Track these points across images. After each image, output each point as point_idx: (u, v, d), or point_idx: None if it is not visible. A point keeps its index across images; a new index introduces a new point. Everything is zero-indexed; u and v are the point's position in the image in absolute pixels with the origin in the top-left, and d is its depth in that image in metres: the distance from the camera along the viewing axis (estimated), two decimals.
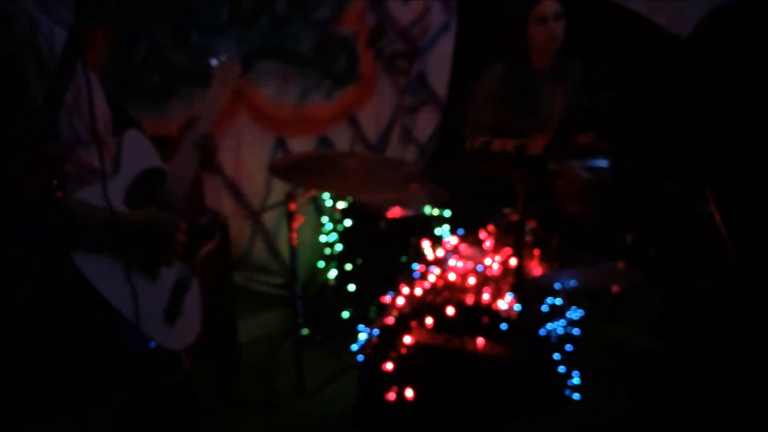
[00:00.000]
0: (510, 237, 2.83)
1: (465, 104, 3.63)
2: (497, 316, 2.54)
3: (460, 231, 3.17)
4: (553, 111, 3.49)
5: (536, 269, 2.67)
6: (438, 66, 4.08)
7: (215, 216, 2.12)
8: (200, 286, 2.05)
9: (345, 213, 3.54)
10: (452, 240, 3.09)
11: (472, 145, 3.44)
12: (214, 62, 2.47)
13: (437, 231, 3.48)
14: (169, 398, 1.97)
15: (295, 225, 3.12)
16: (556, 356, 2.57)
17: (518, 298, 2.62)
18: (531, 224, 2.77)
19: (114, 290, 1.65)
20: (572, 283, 2.80)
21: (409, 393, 2.58)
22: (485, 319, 2.54)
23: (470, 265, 2.86)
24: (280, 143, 3.81)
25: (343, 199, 3.54)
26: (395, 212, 3.42)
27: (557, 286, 2.79)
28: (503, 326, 2.52)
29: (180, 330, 1.87)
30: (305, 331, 3.26)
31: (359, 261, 3.50)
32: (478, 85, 3.56)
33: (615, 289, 2.83)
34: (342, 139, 3.97)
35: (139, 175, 1.92)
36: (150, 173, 1.97)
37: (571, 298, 2.99)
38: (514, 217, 2.80)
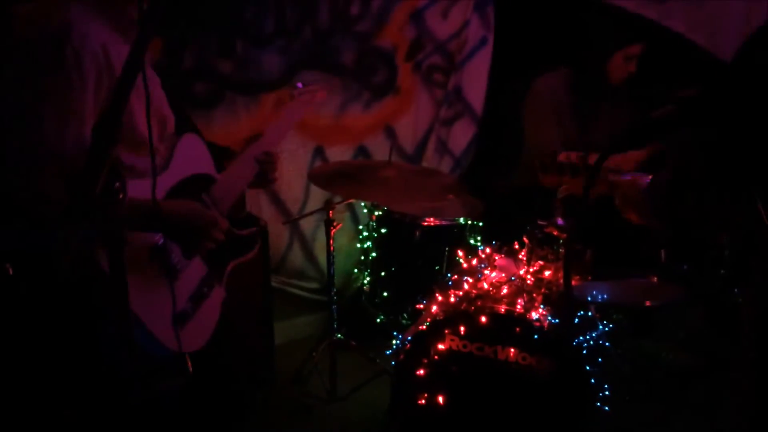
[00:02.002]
0: (544, 249, 2.87)
1: (502, 114, 3.64)
2: (530, 326, 2.57)
3: (494, 242, 3.21)
4: (606, 131, 3.43)
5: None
6: (474, 80, 4.13)
7: (256, 232, 2.19)
8: (222, 298, 2.08)
9: (381, 221, 3.60)
10: (486, 250, 3.13)
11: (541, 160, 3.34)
12: (299, 84, 2.51)
13: (471, 241, 3.53)
14: (169, 404, 1.96)
15: (333, 232, 3.20)
16: (588, 368, 2.60)
17: (556, 312, 2.65)
18: (563, 236, 2.80)
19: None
20: (605, 296, 2.83)
21: (440, 399, 2.62)
22: (518, 329, 2.57)
23: (504, 275, 2.90)
24: (319, 151, 3.91)
25: (379, 207, 3.61)
26: (430, 221, 3.48)
27: (590, 298, 2.82)
28: (536, 337, 2.56)
29: (188, 334, 1.91)
30: (339, 336, 3.33)
31: (394, 268, 3.56)
32: (540, 84, 3.43)
33: (648, 303, 2.85)
34: (379, 148, 4.04)
35: (186, 178, 2.00)
36: (198, 178, 2.05)
37: (604, 311, 3.01)
38: (550, 230, 2.83)
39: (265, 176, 2.25)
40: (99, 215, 1.40)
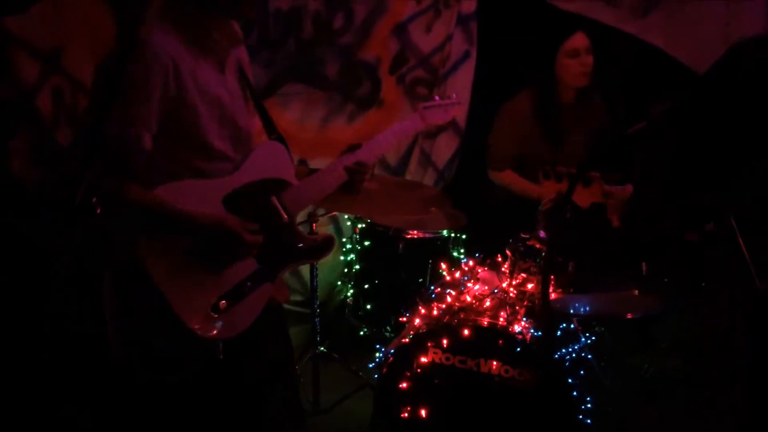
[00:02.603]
0: (527, 261, 2.89)
1: (486, 128, 3.71)
2: (513, 339, 2.59)
3: (477, 254, 3.22)
4: (578, 144, 3.55)
5: (552, 294, 2.72)
6: (458, 93, 4.12)
7: (330, 239, 2.26)
8: (270, 295, 2.14)
9: (364, 233, 3.61)
10: (469, 263, 3.15)
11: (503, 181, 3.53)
12: (437, 98, 2.57)
13: (455, 253, 3.54)
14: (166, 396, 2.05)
15: None
16: (570, 381, 2.61)
17: (537, 324, 2.67)
18: (546, 249, 2.82)
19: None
20: (587, 309, 2.85)
21: (423, 413, 2.63)
22: (500, 342, 2.59)
23: (487, 288, 2.91)
24: (302, 164, 3.90)
25: (362, 220, 3.61)
26: (414, 234, 3.49)
27: (572, 311, 2.84)
28: (518, 350, 2.57)
29: (222, 322, 2.01)
30: (323, 349, 3.32)
31: (377, 281, 3.56)
32: (504, 109, 3.62)
33: (630, 316, 2.87)
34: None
35: (255, 181, 2.10)
36: (270, 182, 2.13)
37: (586, 323, 3.03)
38: (533, 242, 2.85)
39: (352, 186, 2.30)
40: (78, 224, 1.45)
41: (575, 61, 3.44)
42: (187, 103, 1.95)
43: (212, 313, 1.99)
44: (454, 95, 2.67)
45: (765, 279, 1.40)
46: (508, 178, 3.62)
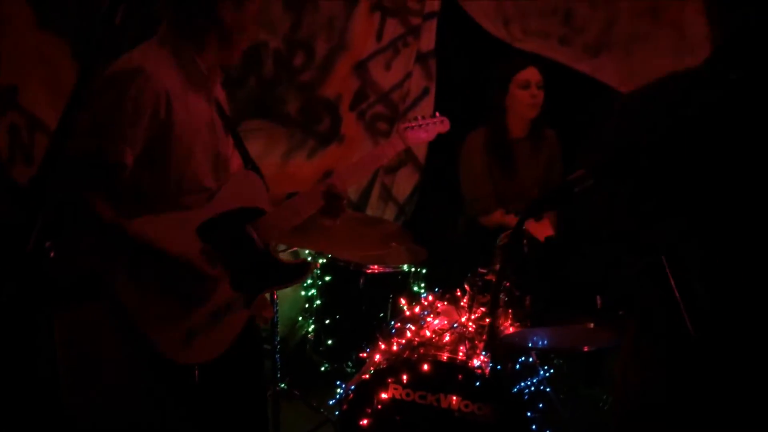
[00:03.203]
0: (485, 296, 2.92)
1: (446, 162, 3.76)
2: (472, 373, 2.60)
3: (437, 289, 3.25)
4: (530, 179, 3.63)
5: (510, 328, 2.75)
6: None
7: (307, 264, 2.31)
8: (245, 320, 2.18)
9: (325, 268, 3.61)
10: (429, 297, 3.17)
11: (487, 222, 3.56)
12: (419, 117, 2.58)
13: (415, 288, 3.56)
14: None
15: None
16: (529, 414, 2.63)
17: (492, 357, 2.69)
18: (505, 284, 2.86)
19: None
20: (545, 342, 2.89)
21: None
22: (460, 377, 2.60)
23: (446, 322, 2.93)
24: None
25: (323, 255, 3.62)
26: (375, 269, 3.51)
27: (530, 344, 2.87)
28: (477, 384, 2.59)
29: (197, 348, 2.04)
30: (283, 386, 3.30)
31: (338, 316, 3.56)
32: (461, 155, 3.68)
33: (586, 349, 2.92)
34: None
35: (230, 210, 2.14)
36: (245, 211, 2.18)
37: (545, 356, 3.07)
38: (490, 277, 2.89)
39: (330, 211, 2.34)
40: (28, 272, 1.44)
41: (526, 92, 3.52)
42: (175, 130, 2.00)
43: (187, 339, 2.01)
44: (437, 113, 2.69)
45: (699, 327, 1.42)
46: (501, 219, 3.59)
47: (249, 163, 2.25)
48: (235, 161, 2.28)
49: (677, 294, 1.41)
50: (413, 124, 2.58)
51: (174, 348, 2.00)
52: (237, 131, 2.29)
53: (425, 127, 2.61)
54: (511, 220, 3.56)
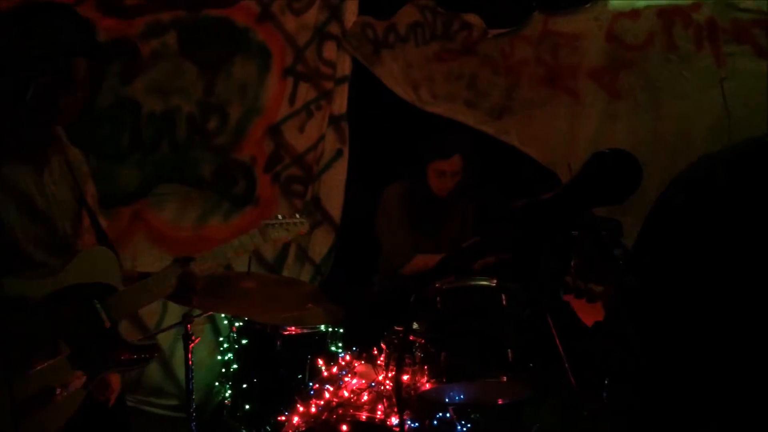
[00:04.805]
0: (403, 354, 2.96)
1: (361, 222, 3.82)
2: None
3: (354, 348, 3.27)
4: (448, 234, 3.72)
5: (426, 384, 2.80)
6: (332, 189, 4.30)
7: (148, 348, 2.22)
8: (80, 401, 2.08)
9: (242, 332, 3.57)
10: (346, 357, 3.19)
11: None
12: (280, 216, 2.60)
13: (333, 348, 3.57)
14: None
15: (191, 346, 3.14)
16: None
17: (416, 415, 2.72)
18: (420, 341, 2.92)
19: None
20: (461, 396, 2.95)
21: None
22: None
23: (364, 381, 2.96)
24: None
25: (240, 318, 3.59)
26: (292, 330, 3.50)
27: (447, 400, 2.93)
28: None
29: (27, 425, 1.95)
30: None
31: (256, 379, 3.52)
32: (379, 208, 3.74)
33: (500, 401, 3.00)
34: (240, 259, 4.05)
35: (80, 284, 2.08)
36: (95, 286, 2.11)
37: (461, 411, 3.12)
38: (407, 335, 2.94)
39: (182, 296, 2.29)
40: None
41: (439, 180, 3.63)
42: None
43: (14, 414, 1.91)
44: (297, 215, 2.74)
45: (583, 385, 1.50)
46: (422, 261, 3.63)
47: (104, 240, 2.20)
48: (89, 239, 2.23)
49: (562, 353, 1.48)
50: (274, 222, 2.63)
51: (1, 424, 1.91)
52: (92, 209, 2.24)
53: (286, 227, 2.65)
54: (431, 259, 3.62)
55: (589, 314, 2.09)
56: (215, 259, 2.39)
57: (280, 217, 2.65)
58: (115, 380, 2.30)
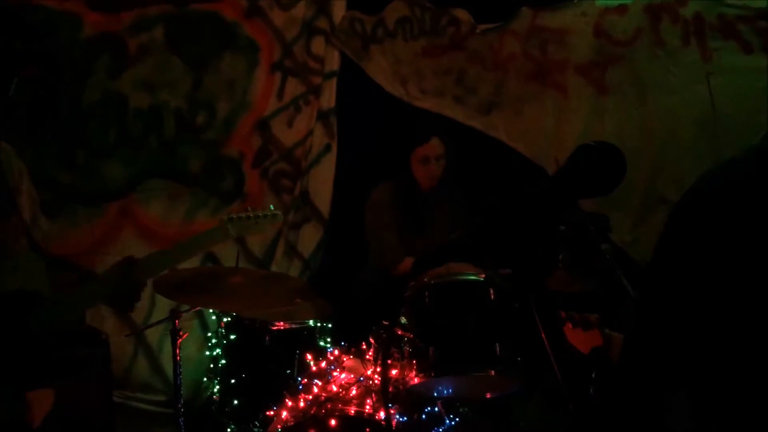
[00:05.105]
0: (390, 348, 2.96)
1: (350, 216, 3.82)
2: (379, 426, 2.63)
3: (343, 343, 3.27)
4: (438, 233, 3.73)
5: (415, 379, 2.81)
6: (320, 184, 4.30)
7: (84, 361, 2.14)
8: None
9: (230, 327, 3.56)
10: (335, 352, 3.19)
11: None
12: (247, 209, 2.37)
13: (321, 343, 3.57)
14: None
15: (179, 341, 3.13)
16: None
17: (404, 410, 2.73)
18: (408, 335, 2.92)
19: None
20: (450, 391, 2.96)
21: None
22: (367, 430, 2.62)
23: (353, 376, 2.96)
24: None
25: (228, 313, 3.58)
26: (280, 325, 3.50)
27: (435, 394, 2.93)
28: None
29: None
30: None
31: (244, 375, 3.51)
32: (367, 210, 3.75)
33: (488, 396, 3.00)
34: (228, 254, 4.05)
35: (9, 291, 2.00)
36: (25, 294, 2.03)
37: (450, 405, 3.12)
38: (395, 329, 2.94)
39: (120, 302, 2.19)
40: None
41: (425, 167, 3.64)
42: None
43: None
44: (272, 206, 2.51)
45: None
46: (412, 264, 3.56)
47: (36, 248, 2.12)
48: (23, 243, 2.14)
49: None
50: (240, 216, 2.37)
51: None
52: (19, 214, 2.13)
53: (254, 220, 2.39)
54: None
55: (586, 343, 2.10)
56: (166, 262, 2.26)
57: (248, 209, 2.42)
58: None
